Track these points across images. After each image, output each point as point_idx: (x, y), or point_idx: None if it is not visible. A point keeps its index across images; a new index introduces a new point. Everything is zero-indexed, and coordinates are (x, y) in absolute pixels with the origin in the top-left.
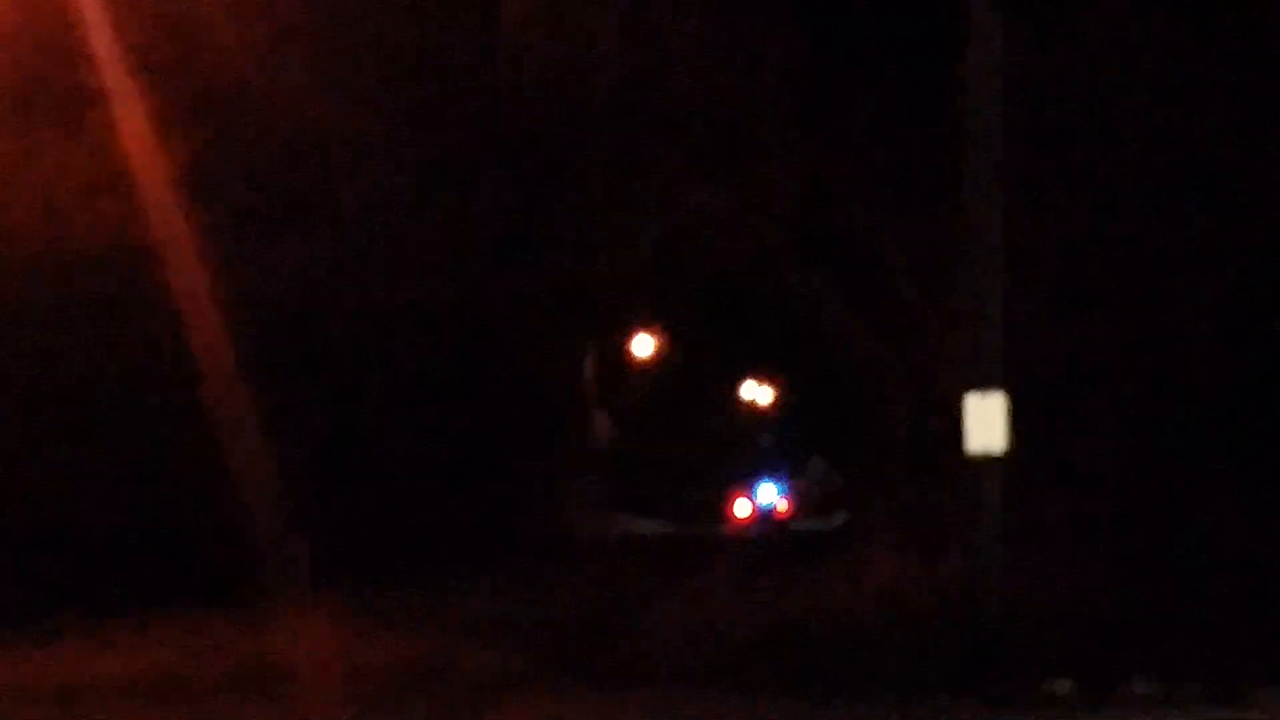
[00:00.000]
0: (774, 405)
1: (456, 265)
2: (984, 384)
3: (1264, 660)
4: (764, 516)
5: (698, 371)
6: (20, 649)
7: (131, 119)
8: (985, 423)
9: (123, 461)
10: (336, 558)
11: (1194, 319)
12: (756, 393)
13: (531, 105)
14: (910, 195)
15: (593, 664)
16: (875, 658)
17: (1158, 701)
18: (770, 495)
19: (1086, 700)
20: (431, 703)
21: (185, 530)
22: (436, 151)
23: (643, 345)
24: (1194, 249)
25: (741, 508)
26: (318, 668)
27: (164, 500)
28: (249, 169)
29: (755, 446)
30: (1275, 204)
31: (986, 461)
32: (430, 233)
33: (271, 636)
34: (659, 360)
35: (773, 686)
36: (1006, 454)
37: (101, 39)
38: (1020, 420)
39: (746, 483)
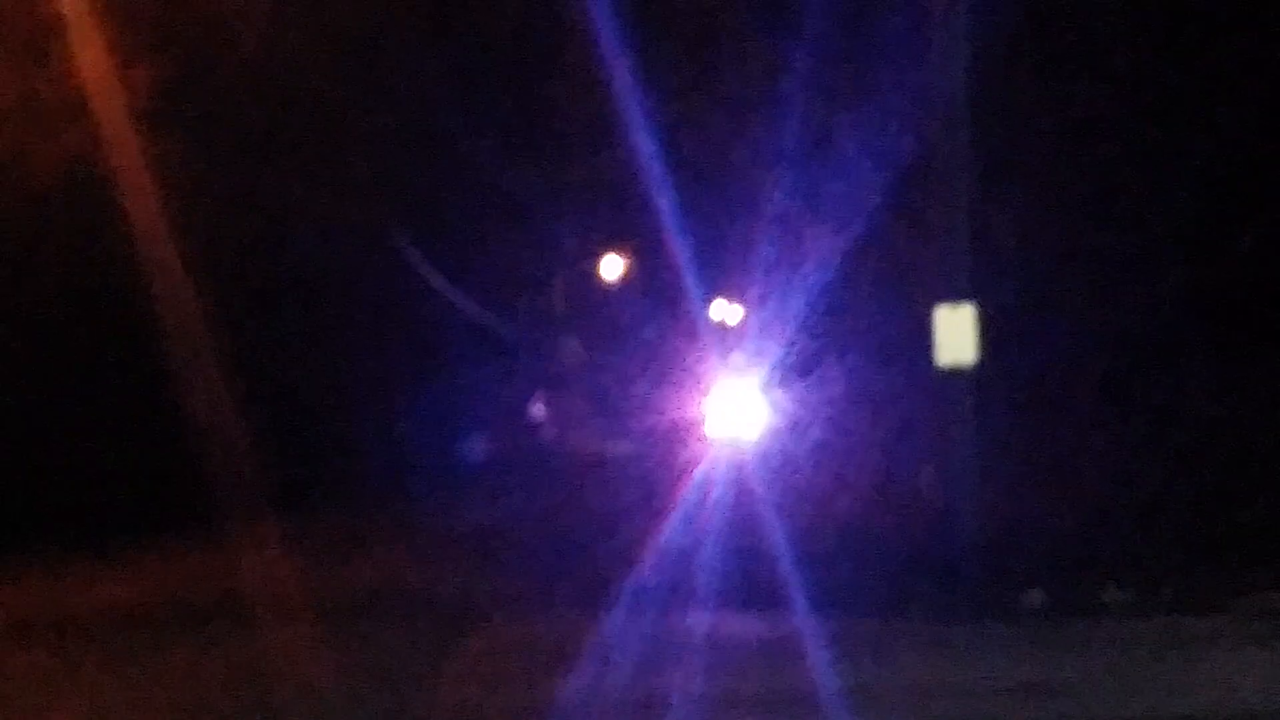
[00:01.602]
0: (744, 324)
1: (420, 186)
2: (953, 297)
3: (1235, 569)
4: (737, 435)
5: (667, 292)
6: None
7: (92, 47)
8: (955, 335)
9: (82, 395)
10: (306, 484)
11: (1168, 225)
12: (727, 312)
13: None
14: (876, 104)
15: (569, 584)
16: (849, 572)
17: (1129, 611)
18: (743, 413)
19: (1059, 611)
20: (409, 625)
21: (147, 462)
22: (395, 77)
23: (612, 266)
24: (1167, 155)
25: (715, 427)
26: (289, 593)
27: (123, 432)
28: (209, 99)
29: (725, 366)
30: (1247, 92)
31: (956, 374)
32: (393, 157)
33: (241, 564)
34: (628, 281)
35: (745, 602)
36: (976, 366)
37: None
38: (990, 332)
39: (718, 402)
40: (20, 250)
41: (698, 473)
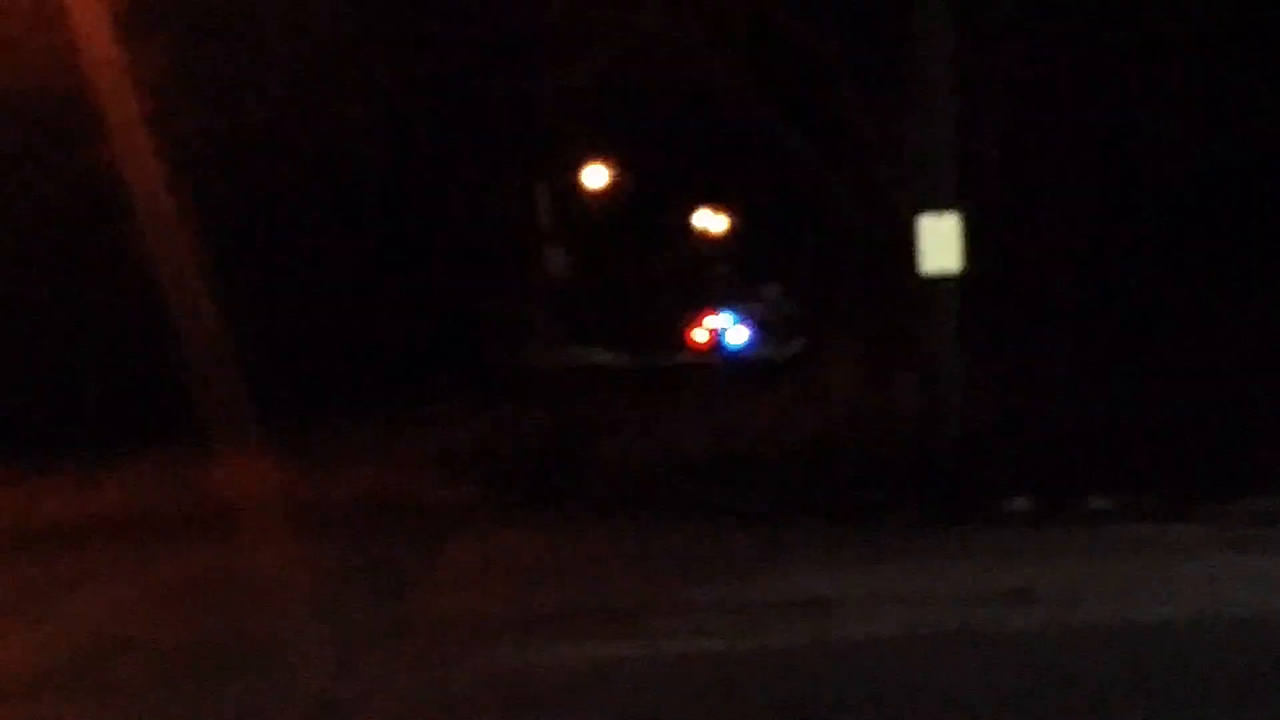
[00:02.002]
0: (728, 233)
1: (395, 94)
2: (937, 205)
3: (1219, 476)
4: (721, 344)
5: (651, 201)
6: None
7: None
8: (939, 244)
9: (68, 309)
10: (295, 396)
11: (1150, 126)
12: (710, 221)
13: None
14: (862, 15)
15: (550, 494)
16: (835, 480)
17: (1114, 516)
18: (727, 323)
19: (1044, 516)
20: (389, 533)
21: (134, 374)
22: None
23: (595, 176)
24: (1153, 57)
25: (698, 335)
26: (274, 503)
27: (109, 345)
28: (185, 5)
29: (711, 274)
30: None
31: (941, 282)
32: (369, 61)
33: (226, 475)
34: (612, 192)
35: (731, 511)
36: (961, 274)
37: None
38: (976, 240)
39: (702, 311)
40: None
41: (687, 379)
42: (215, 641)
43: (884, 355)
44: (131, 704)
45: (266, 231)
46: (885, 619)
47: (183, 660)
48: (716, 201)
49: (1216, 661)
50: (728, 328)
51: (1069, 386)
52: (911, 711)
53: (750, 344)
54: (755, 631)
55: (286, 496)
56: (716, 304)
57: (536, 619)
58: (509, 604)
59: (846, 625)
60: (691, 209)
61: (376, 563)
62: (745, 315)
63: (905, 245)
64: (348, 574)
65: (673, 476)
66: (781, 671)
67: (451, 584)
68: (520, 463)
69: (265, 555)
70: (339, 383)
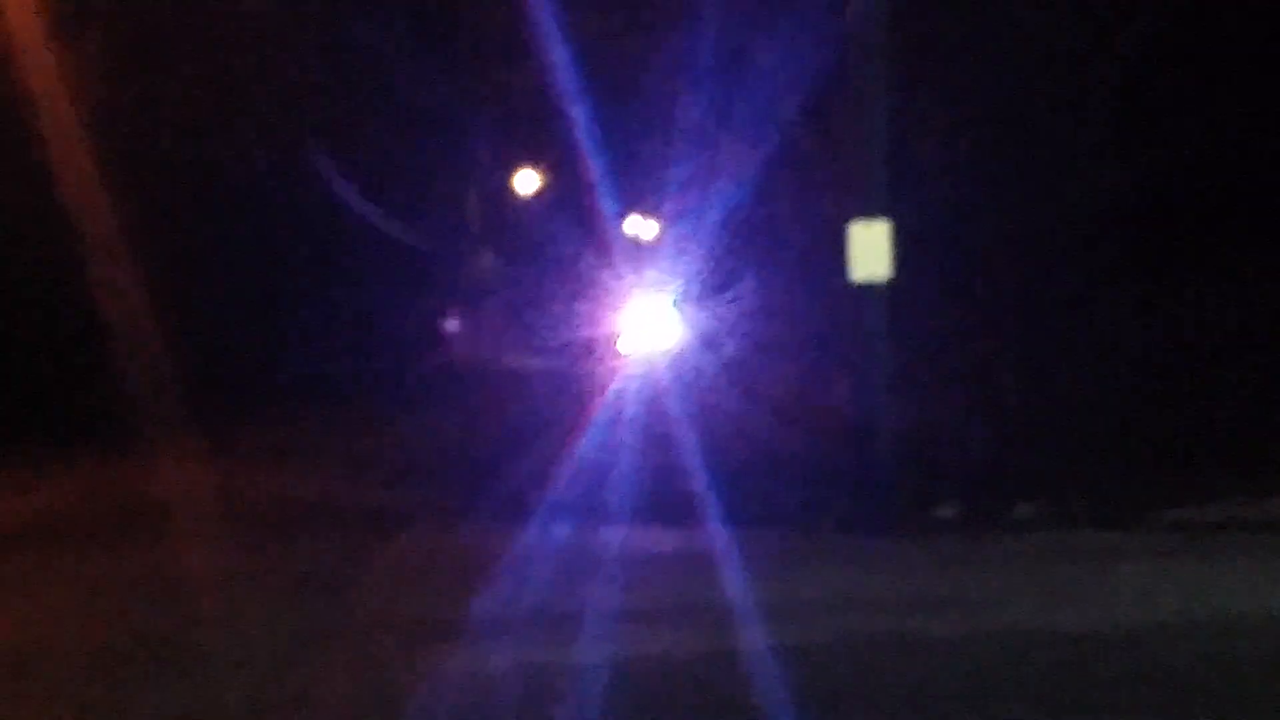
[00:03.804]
0: (658, 240)
1: (333, 98)
2: (868, 212)
3: (1147, 483)
4: (652, 350)
5: (581, 207)
6: None
7: None
8: (869, 251)
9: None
10: (223, 399)
11: (1087, 139)
12: (641, 227)
13: None
14: (792, 16)
15: (485, 498)
16: (762, 487)
17: (1042, 525)
18: (658, 329)
19: (972, 524)
20: (319, 536)
21: (68, 374)
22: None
23: (526, 181)
24: (1086, 66)
25: (630, 342)
26: (208, 504)
27: (43, 344)
28: (123, 9)
29: (640, 281)
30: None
31: (871, 289)
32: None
33: (160, 476)
34: (542, 196)
35: (660, 516)
36: (891, 281)
37: None
38: (905, 247)
39: (633, 318)
40: None
41: (612, 388)
42: (144, 645)
43: (813, 361)
44: (55, 708)
45: (198, 233)
46: (812, 625)
47: (110, 664)
48: (647, 208)
49: (1144, 669)
50: (659, 333)
51: (998, 393)
52: (837, 717)
53: (680, 350)
54: (685, 636)
55: (216, 499)
56: (645, 310)
57: (472, 622)
58: (445, 607)
59: (773, 630)
60: (623, 215)
61: (308, 565)
62: (676, 320)
63: (837, 252)
64: (280, 577)
65: (604, 482)
66: (710, 676)
67: (387, 587)
68: (450, 466)
69: (195, 558)
70: (268, 385)
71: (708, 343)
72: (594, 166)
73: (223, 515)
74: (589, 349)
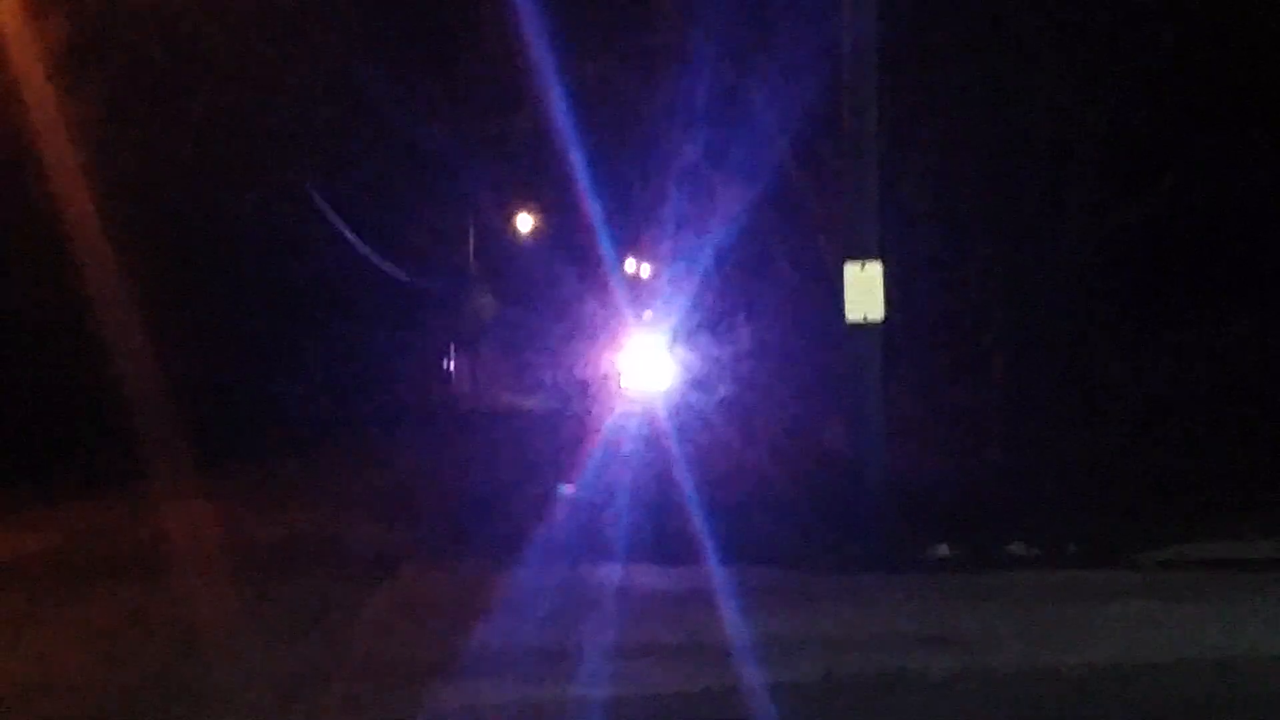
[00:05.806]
0: (654, 280)
1: (336, 144)
2: (862, 254)
3: (1137, 524)
4: (649, 389)
5: (579, 249)
6: None
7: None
8: (863, 292)
9: (6, 353)
10: (228, 440)
11: (1077, 187)
12: (639, 267)
13: None
14: (787, 62)
15: (483, 536)
16: (757, 525)
17: (1034, 564)
18: (655, 368)
19: (965, 564)
20: (321, 576)
21: (69, 417)
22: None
23: (524, 222)
24: (1076, 117)
25: (625, 381)
26: (205, 545)
27: (45, 389)
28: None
29: (637, 321)
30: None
31: (864, 330)
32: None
33: (158, 518)
34: (540, 237)
35: (656, 554)
36: (884, 322)
37: None
38: (899, 289)
39: (630, 357)
40: None
41: (609, 426)
42: (143, 684)
43: (807, 400)
44: None
45: (200, 273)
46: (806, 663)
47: (109, 703)
48: (644, 249)
49: (1132, 707)
50: (656, 372)
51: (991, 434)
52: None
53: (676, 389)
54: (681, 673)
55: (217, 538)
56: (641, 349)
57: (470, 659)
58: (443, 643)
59: (766, 669)
60: (620, 256)
61: (309, 603)
62: (672, 360)
63: (830, 293)
64: (277, 616)
65: (599, 522)
66: (707, 713)
67: (386, 624)
68: (448, 505)
69: (197, 597)
70: (269, 424)
71: (703, 382)
72: (591, 209)
73: (224, 554)
74: (586, 388)
